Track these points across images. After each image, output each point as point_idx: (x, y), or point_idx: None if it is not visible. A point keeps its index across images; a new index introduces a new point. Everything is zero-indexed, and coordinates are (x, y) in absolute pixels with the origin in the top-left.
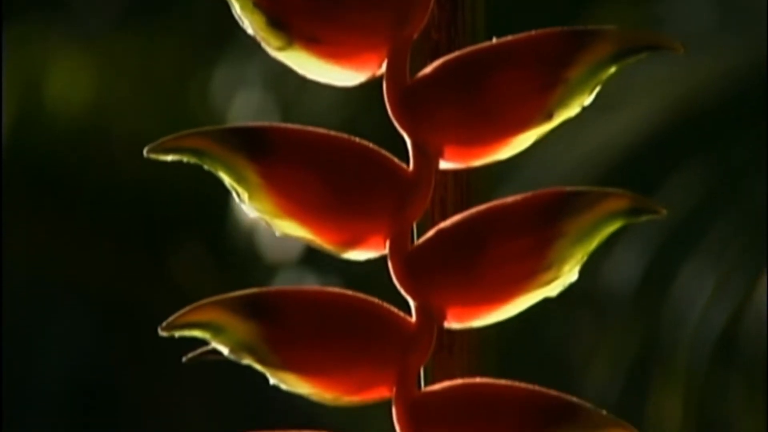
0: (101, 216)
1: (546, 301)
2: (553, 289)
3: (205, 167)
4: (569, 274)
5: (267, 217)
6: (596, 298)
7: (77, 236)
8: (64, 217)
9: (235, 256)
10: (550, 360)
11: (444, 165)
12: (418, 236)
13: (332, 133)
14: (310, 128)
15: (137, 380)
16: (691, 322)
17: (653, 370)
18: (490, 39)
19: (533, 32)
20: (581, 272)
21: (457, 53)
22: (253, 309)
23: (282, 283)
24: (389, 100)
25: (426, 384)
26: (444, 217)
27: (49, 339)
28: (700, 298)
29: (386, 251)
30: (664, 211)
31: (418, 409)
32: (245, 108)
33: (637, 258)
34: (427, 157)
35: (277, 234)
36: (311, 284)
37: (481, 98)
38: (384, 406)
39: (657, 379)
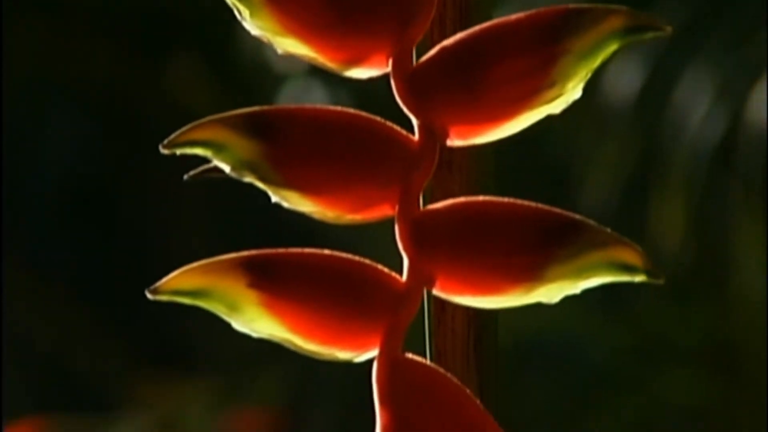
0: (103, 22)
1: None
2: (556, 107)
3: None
4: (573, 92)
5: (269, 35)
6: (596, 108)
7: (78, 41)
8: (66, 22)
9: (240, 68)
10: (550, 171)
11: None
12: (417, 57)
13: None
14: None
15: (133, 189)
16: (691, 130)
17: (653, 179)
18: None
19: None
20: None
21: None
22: (255, 127)
23: (288, 96)
24: None
25: (425, 201)
26: (443, 37)
27: (47, 142)
28: (699, 106)
29: (389, 69)
30: (669, 29)
31: (420, 227)
32: None
33: (637, 66)
34: None
35: (279, 52)
36: (318, 96)
37: None
38: (387, 225)
39: (657, 187)
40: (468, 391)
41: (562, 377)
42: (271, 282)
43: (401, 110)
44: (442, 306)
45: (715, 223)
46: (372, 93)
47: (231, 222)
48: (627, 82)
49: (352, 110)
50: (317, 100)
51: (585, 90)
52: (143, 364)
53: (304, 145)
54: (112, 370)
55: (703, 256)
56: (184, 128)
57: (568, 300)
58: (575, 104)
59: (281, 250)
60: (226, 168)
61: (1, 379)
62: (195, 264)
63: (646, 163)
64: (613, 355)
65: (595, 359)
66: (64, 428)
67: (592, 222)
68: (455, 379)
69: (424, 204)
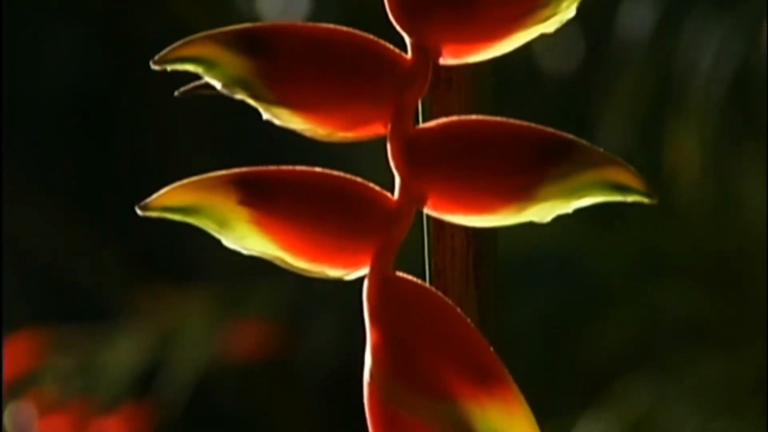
0: None
1: (557, 48)
2: (550, 26)
3: None
4: (567, 11)
5: None
6: (610, 43)
7: None
8: None
9: None
10: (563, 105)
11: None
12: None
13: None
14: None
15: (133, 101)
16: (705, 64)
17: (669, 117)
18: None
19: None
20: (596, 19)
21: None
22: (247, 43)
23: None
24: None
25: (425, 119)
26: None
27: (47, 55)
28: (713, 39)
29: None
30: None
31: (413, 146)
32: None
33: (651, 1)
34: None
35: None
36: (304, 6)
37: None
38: (377, 144)
39: (673, 124)
40: (459, 309)
41: (561, 290)
42: (262, 199)
43: (385, 25)
44: (441, 224)
45: (732, 156)
46: (360, 11)
47: (232, 136)
48: (642, 17)
49: (344, 27)
50: (301, 11)
51: (600, 25)
52: (142, 275)
53: (296, 62)
54: (111, 280)
55: (716, 184)
56: (175, 44)
57: (567, 213)
58: (592, 40)
59: (272, 168)
60: (218, 85)
61: (1, 289)
62: (185, 180)
63: (661, 96)
64: (612, 268)
65: (593, 272)
66: (63, 339)
67: (584, 141)
68: (446, 298)
69: (423, 122)
